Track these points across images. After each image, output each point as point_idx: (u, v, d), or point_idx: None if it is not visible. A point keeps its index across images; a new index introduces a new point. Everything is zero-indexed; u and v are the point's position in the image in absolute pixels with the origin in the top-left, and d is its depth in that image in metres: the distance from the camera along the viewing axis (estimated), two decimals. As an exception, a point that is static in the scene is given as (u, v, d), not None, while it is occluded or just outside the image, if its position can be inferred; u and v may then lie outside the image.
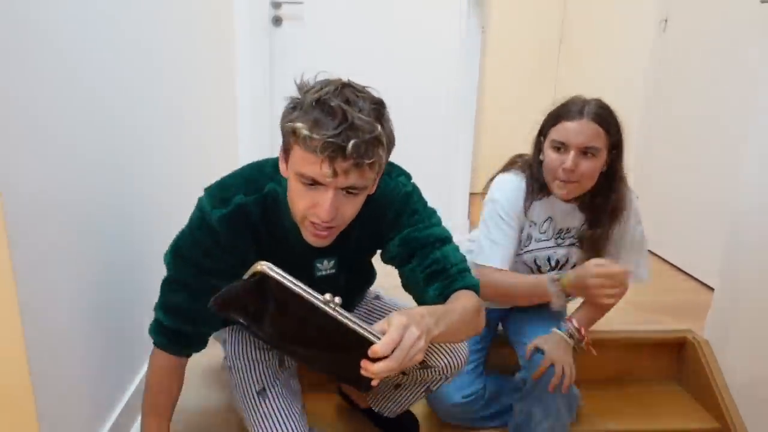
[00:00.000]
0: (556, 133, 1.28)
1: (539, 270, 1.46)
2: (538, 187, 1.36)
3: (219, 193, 1.02)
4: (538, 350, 1.34)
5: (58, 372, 1.01)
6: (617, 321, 1.82)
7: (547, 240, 1.42)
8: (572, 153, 1.24)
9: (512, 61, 3.59)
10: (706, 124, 2.29)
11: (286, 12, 2.48)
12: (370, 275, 1.28)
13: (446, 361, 1.14)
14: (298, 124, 0.84)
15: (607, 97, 1.34)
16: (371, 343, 0.72)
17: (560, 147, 1.27)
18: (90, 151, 1.13)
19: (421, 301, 1.07)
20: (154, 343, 1.06)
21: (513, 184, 1.37)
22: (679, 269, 2.45)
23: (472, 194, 2.85)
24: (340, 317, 0.74)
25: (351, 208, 0.92)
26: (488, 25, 3.41)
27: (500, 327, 1.65)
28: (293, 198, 0.93)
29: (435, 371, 1.15)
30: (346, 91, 0.86)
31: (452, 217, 2.75)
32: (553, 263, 1.44)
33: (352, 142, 0.82)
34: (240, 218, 1.00)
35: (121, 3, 1.28)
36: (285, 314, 0.78)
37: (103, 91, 1.20)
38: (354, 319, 0.75)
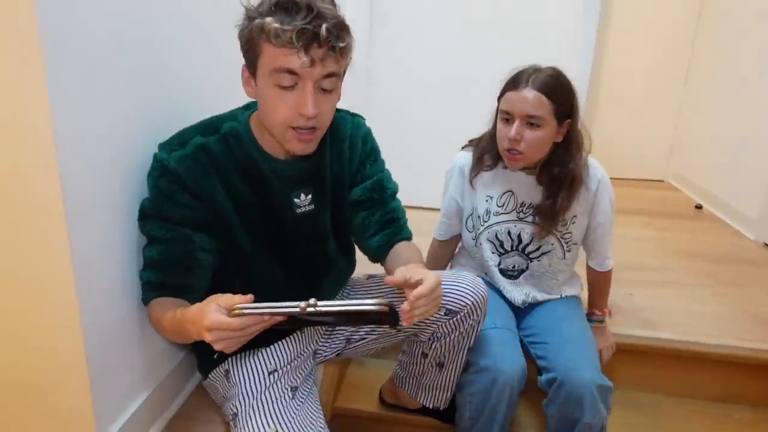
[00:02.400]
0: (503, 103, 1.25)
1: (502, 246, 1.41)
2: (491, 158, 1.35)
3: (174, 139, 0.98)
4: None
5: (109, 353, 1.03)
6: (731, 334, 1.61)
7: (507, 214, 1.38)
8: (516, 122, 1.22)
9: (641, 27, 3.25)
10: None
11: (387, 7, 2.40)
12: (348, 222, 1.17)
13: (471, 299, 1.12)
14: (267, 20, 0.85)
15: None
16: (369, 311, 0.78)
17: (508, 118, 1.24)
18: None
19: (365, 246, 1.18)
20: (147, 301, 1.01)
21: (459, 159, 1.41)
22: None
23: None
24: (327, 308, 0.78)
25: (328, 106, 0.94)
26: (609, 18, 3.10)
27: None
28: (270, 109, 0.91)
29: (464, 315, 1.13)
30: None
31: None
32: (514, 238, 1.39)
33: (324, 26, 0.85)
34: (201, 156, 0.96)
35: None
36: (286, 323, 0.84)
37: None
38: (345, 302, 0.80)
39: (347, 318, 0.84)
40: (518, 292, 1.44)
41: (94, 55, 0.91)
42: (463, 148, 1.44)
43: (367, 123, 1.19)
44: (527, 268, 1.42)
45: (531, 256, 1.41)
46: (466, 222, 1.44)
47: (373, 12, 2.42)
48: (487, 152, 1.36)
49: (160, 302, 0.99)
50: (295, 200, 1.06)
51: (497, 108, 1.29)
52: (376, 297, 1.11)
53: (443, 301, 1.07)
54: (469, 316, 1.15)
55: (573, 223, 1.37)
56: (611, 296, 1.54)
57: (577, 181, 1.31)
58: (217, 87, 1.25)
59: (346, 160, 1.12)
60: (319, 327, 1.21)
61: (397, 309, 0.82)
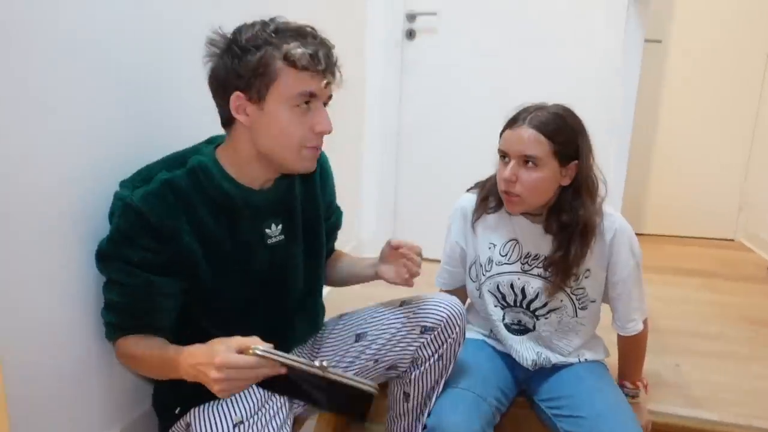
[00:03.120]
0: (500, 142, 1.18)
1: (504, 300, 1.28)
2: (495, 200, 1.26)
3: (137, 176, 0.96)
4: None
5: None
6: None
7: (510, 264, 1.26)
8: (511, 163, 1.14)
9: (701, 78, 3.04)
10: None
11: (420, 25, 2.38)
12: (323, 253, 1.19)
13: (446, 313, 1.10)
14: (287, 46, 0.89)
15: None
16: (364, 392, 0.81)
17: (504, 157, 1.17)
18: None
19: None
20: (111, 338, 0.98)
21: (462, 201, 1.33)
22: None
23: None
24: (334, 377, 0.80)
25: None
26: (668, 34, 2.95)
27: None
28: (284, 131, 0.93)
29: (441, 331, 1.11)
30: (279, 19, 0.94)
31: None
32: (518, 291, 1.26)
33: (332, 50, 0.94)
34: (167, 193, 0.92)
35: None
36: (287, 378, 0.84)
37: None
38: (347, 375, 0.83)
39: (340, 391, 0.84)
40: (528, 350, 1.29)
41: (42, 81, 0.88)
42: (468, 190, 1.34)
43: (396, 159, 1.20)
44: (534, 327, 1.28)
45: (537, 313, 1.26)
46: (470, 270, 1.32)
47: (403, 64, 2.42)
48: (492, 194, 1.26)
49: (133, 340, 0.97)
50: (266, 231, 1.05)
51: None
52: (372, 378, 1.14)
53: (418, 319, 1.10)
54: (446, 332, 1.11)
55: (586, 277, 1.22)
56: (653, 366, 1.35)
57: (590, 230, 1.18)
58: (182, 121, 1.21)
59: (319, 191, 1.15)
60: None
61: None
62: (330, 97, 0.99)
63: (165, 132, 1.15)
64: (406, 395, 1.17)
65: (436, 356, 1.12)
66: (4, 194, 0.82)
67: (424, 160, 2.52)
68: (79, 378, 1.01)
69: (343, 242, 2.59)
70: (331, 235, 1.25)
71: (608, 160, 2.31)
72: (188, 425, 1.02)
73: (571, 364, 1.28)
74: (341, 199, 2.48)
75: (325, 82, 0.93)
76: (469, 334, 1.38)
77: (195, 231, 0.95)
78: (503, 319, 1.29)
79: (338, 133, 2.30)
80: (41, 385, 0.94)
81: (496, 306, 1.29)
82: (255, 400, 1.03)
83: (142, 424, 1.15)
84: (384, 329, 1.11)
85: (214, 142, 1.04)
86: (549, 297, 1.23)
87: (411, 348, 1.11)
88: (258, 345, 0.81)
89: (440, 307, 1.11)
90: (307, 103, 0.93)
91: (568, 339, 1.28)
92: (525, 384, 1.34)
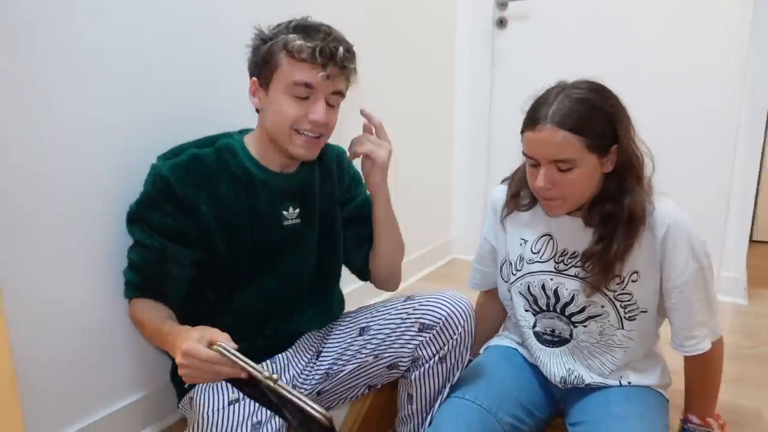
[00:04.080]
0: (524, 145, 1.03)
1: (535, 303, 1.14)
2: (528, 195, 1.13)
3: (171, 150, 1.04)
4: None
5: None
6: None
7: (543, 263, 1.12)
8: (542, 170, 1.00)
9: None
10: None
11: (511, 12, 2.25)
12: (339, 242, 1.19)
13: (446, 310, 1.05)
14: (291, 36, 0.96)
15: None
16: (316, 418, 0.76)
17: (533, 162, 1.02)
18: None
19: (353, 261, 1.23)
20: (128, 296, 1.05)
21: (494, 194, 1.23)
22: None
23: (754, 242, 2.07)
24: (283, 392, 0.77)
25: (333, 119, 1.05)
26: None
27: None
28: (281, 113, 1.00)
29: (440, 331, 1.05)
30: (310, 18, 1.02)
31: (725, 268, 2.07)
32: (550, 293, 1.11)
33: (340, 48, 0.97)
34: (194, 166, 1.02)
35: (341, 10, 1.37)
36: (256, 385, 0.83)
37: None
38: (300, 395, 0.78)
39: (296, 411, 0.81)
40: (558, 366, 1.14)
41: (95, 62, 1.04)
42: (503, 180, 1.22)
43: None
44: (571, 336, 1.12)
45: (574, 319, 1.11)
46: (501, 269, 1.21)
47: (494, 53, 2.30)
48: (523, 188, 1.13)
49: (144, 304, 1.05)
50: (284, 212, 1.09)
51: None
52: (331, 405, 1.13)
53: (417, 315, 1.06)
54: (447, 332, 1.04)
55: (633, 281, 1.05)
56: (735, 398, 1.12)
57: (637, 218, 1.00)
58: (222, 108, 1.31)
59: (336, 180, 1.18)
60: (295, 356, 1.15)
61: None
62: (338, 93, 1.02)
63: (206, 115, 1.26)
64: (410, 396, 1.11)
65: (437, 358, 1.05)
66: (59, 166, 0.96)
67: (517, 156, 2.36)
68: (105, 341, 1.13)
69: (432, 240, 2.60)
70: (356, 220, 1.22)
71: (734, 165, 1.98)
72: (191, 399, 1.08)
73: (609, 387, 1.12)
74: (430, 197, 2.49)
75: (323, 74, 0.97)
76: (500, 341, 1.28)
77: (214, 204, 1.03)
78: (534, 326, 1.16)
79: (427, 128, 2.34)
80: (70, 344, 1.07)
81: (527, 310, 1.16)
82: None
83: (164, 393, 1.24)
84: (385, 324, 1.07)
85: (245, 132, 1.12)
86: (587, 300, 1.08)
87: (409, 346, 1.06)
88: (221, 342, 0.82)
89: (440, 303, 1.05)
90: (308, 96, 0.99)
91: (611, 355, 1.11)
92: (562, 404, 1.20)
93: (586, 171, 0.98)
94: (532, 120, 0.99)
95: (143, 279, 1.04)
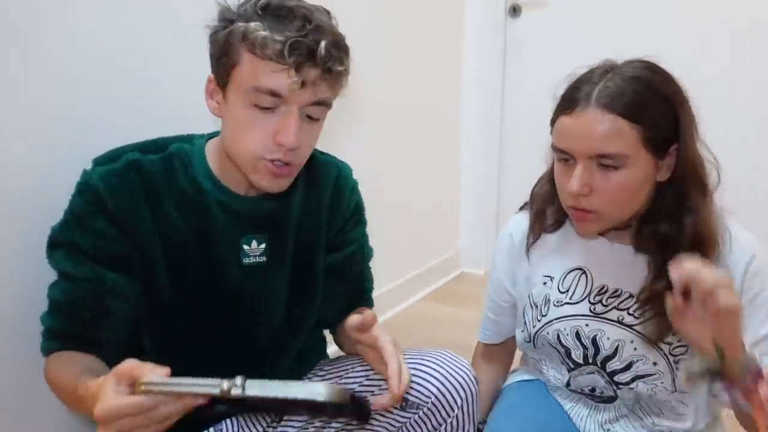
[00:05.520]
0: (556, 136, 0.80)
1: (568, 356, 0.90)
2: (554, 213, 0.90)
3: (107, 154, 0.81)
4: None
5: None
6: None
7: (574, 304, 0.88)
8: (579, 167, 0.77)
9: None
10: None
11: None
12: (317, 290, 0.93)
13: (436, 387, 0.82)
14: (253, 25, 0.70)
15: None
16: (322, 404, 0.58)
17: (566, 158, 0.79)
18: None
19: (321, 314, 0.95)
20: (45, 352, 0.81)
21: (511, 225, 0.98)
22: None
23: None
24: (264, 394, 0.59)
25: (311, 138, 0.79)
26: None
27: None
28: (238, 133, 0.76)
29: (429, 412, 0.83)
30: None
31: None
32: (587, 343, 0.88)
33: (322, 42, 0.70)
34: (131, 175, 0.79)
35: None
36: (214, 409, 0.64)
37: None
38: (288, 385, 0.60)
39: (294, 407, 0.67)
40: (595, 423, 0.91)
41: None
42: (520, 209, 0.98)
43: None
44: (615, 395, 0.89)
45: (617, 379, 0.87)
46: (524, 315, 0.96)
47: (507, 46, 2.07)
48: (549, 204, 0.90)
49: (61, 359, 0.80)
50: (245, 246, 0.85)
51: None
52: (340, 380, 0.89)
53: None
54: (437, 414, 0.82)
55: None
56: None
57: (707, 241, 0.77)
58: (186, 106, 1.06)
59: (325, 215, 0.92)
60: (247, 424, 0.91)
61: (364, 399, 0.64)
62: (321, 104, 0.76)
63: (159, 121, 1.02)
64: None
65: None
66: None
67: (532, 159, 2.14)
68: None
69: (439, 253, 2.38)
70: (338, 274, 0.96)
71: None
72: None
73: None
74: (436, 207, 2.28)
75: (295, 80, 0.70)
76: (525, 376, 1.03)
77: (157, 224, 0.80)
78: (568, 384, 0.93)
79: (431, 130, 2.14)
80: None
81: (562, 363, 0.92)
82: None
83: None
84: (370, 384, 0.85)
85: (215, 135, 0.88)
86: (635, 353, 0.84)
87: (394, 426, 0.84)
88: (146, 378, 0.60)
89: (431, 372, 0.82)
90: (275, 105, 0.73)
91: (662, 421, 0.88)
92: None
93: (636, 174, 0.75)
94: (570, 101, 0.77)
95: (68, 323, 0.79)
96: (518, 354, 1.07)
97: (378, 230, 1.05)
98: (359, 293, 0.99)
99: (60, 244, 0.79)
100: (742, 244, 0.79)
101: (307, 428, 0.90)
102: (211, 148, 0.84)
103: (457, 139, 2.28)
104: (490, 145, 2.22)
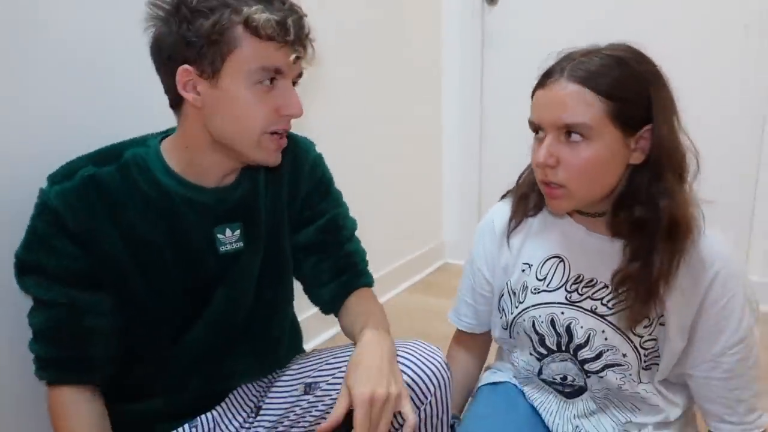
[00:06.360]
0: (531, 110, 0.81)
1: (542, 344, 0.90)
2: (536, 197, 0.90)
3: (61, 171, 0.81)
4: None
5: None
6: None
7: (551, 292, 0.88)
8: (548, 138, 0.78)
9: None
10: None
11: None
12: (287, 270, 0.96)
13: (412, 373, 0.82)
14: (248, 10, 0.73)
15: None
16: None
17: (538, 131, 0.81)
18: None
19: (316, 297, 1.00)
20: (46, 382, 0.82)
21: (492, 212, 0.99)
22: None
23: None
24: None
25: None
26: None
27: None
28: (244, 112, 0.78)
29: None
30: None
31: (752, 272, 1.83)
32: (561, 330, 0.88)
33: (304, 20, 0.78)
34: (89, 191, 0.79)
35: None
36: None
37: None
38: None
39: None
40: (564, 419, 0.91)
41: None
42: (502, 197, 0.98)
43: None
44: (585, 385, 0.89)
45: (587, 367, 0.87)
46: (499, 304, 0.96)
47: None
48: (531, 190, 0.90)
49: (65, 403, 0.81)
50: (219, 236, 0.86)
51: None
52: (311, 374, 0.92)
53: None
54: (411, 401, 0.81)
55: (661, 323, 0.82)
56: None
57: (681, 226, 0.77)
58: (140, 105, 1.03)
59: (286, 191, 0.93)
60: (226, 414, 0.93)
61: None
62: (300, 75, 0.82)
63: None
64: None
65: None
66: None
67: (513, 148, 2.14)
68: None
69: (422, 243, 2.38)
70: (318, 247, 0.97)
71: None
72: None
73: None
74: (418, 196, 2.28)
75: (293, 56, 0.77)
76: (495, 376, 1.04)
77: (123, 236, 0.80)
78: (539, 372, 0.93)
79: (411, 121, 2.12)
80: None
81: (531, 354, 0.93)
82: None
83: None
84: (335, 382, 0.85)
85: (168, 133, 0.87)
86: (605, 343, 0.84)
87: None
88: None
89: (404, 361, 0.83)
90: (271, 80, 0.78)
91: (631, 414, 0.88)
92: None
93: (604, 149, 0.75)
94: (546, 75, 0.78)
95: (56, 349, 0.80)
96: (493, 347, 1.08)
97: (360, 222, 1.03)
98: (350, 268, 0.97)
99: (28, 269, 0.79)
100: (711, 256, 0.79)
101: (282, 421, 0.91)
102: (167, 146, 0.84)
103: (438, 131, 2.27)
104: (471, 136, 2.22)
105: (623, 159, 0.77)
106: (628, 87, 0.75)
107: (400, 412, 0.75)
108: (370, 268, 1.01)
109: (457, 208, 2.35)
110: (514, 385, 1.00)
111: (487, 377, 1.05)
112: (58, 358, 0.80)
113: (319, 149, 0.99)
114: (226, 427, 0.90)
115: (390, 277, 2.01)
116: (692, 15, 1.79)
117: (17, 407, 0.92)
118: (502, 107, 2.12)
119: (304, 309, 1.10)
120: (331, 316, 0.99)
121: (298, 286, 1.01)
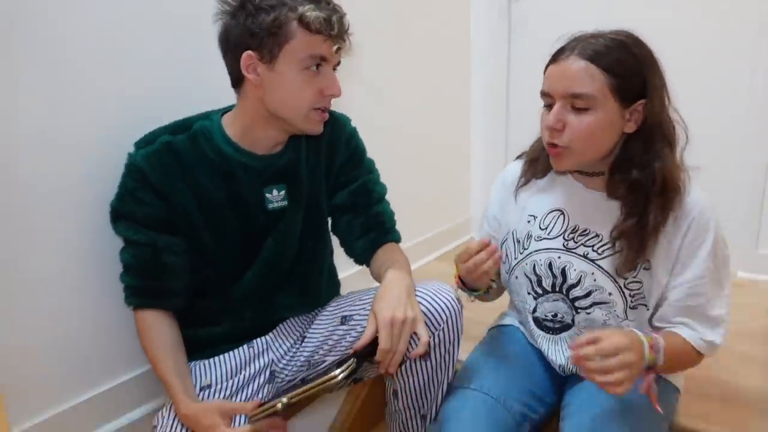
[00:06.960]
0: (543, 83, 0.96)
1: (539, 284, 1.06)
2: (544, 161, 1.05)
3: (144, 138, 0.99)
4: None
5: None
6: None
7: (551, 239, 1.04)
8: (556, 105, 0.92)
9: None
10: None
11: None
12: (324, 225, 1.16)
13: (429, 305, 0.98)
14: (302, 9, 0.90)
15: None
16: (334, 377, 0.86)
17: (549, 102, 0.95)
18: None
19: (350, 250, 1.17)
20: (133, 307, 1.01)
21: (506, 170, 1.16)
22: None
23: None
24: (305, 393, 0.88)
25: None
26: None
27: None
28: (294, 92, 0.94)
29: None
30: None
31: (762, 246, 1.92)
32: (557, 272, 1.03)
33: (345, 17, 0.95)
34: (167, 155, 0.97)
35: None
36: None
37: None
38: (309, 385, 0.88)
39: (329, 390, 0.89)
40: (556, 352, 1.07)
41: (64, 53, 0.98)
42: (517, 157, 1.15)
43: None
44: (573, 322, 1.04)
45: (577, 304, 1.03)
46: (502, 247, 1.13)
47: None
48: (542, 155, 1.05)
49: (148, 321, 1.00)
50: (267, 195, 1.04)
51: None
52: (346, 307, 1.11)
53: None
54: (428, 328, 0.96)
55: (645, 269, 0.96)
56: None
57: (672, 187, 0.92)
58: (203, 86, 1.21)
59: (323, 162, 1.10)
60: (276, 340, 1.12)
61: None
62: (339, 63, 0.99)
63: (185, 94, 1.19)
64: (395, 392, 1.07)
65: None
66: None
67: (538, 131, 2.25)
68: (98, 323, 1.11)
69: (450, 218, 2.51)
70: (351, 209, 1.14)
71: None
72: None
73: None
74: (448, 175, 2.40)
75: (336, 47, 0.94)
76: (503, 320, 1.21)
77: (193, 193, 0.98)
78: (534, 311, 1.08)
79: (441, 102, 2.25)
80: (61, 326, 1.05)
81: (528, 293, 1.08)
82: (229, 368, 1.04)
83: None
84: (366, 314, 1.01)
85: (229, 109, 1.05)
86: (594, 284, 0.99)
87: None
88: (255, 411, 0.91)
89: (424, 297, 0.99)
90: (317, 66, 0.94)
91: None
92: (564, 388, 1.12)
93: (604, 118, 0.90)
94: (558, 53, 0.93)
95: (141, 280, 1.00)
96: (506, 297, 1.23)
97: (389, 198, 1.20)
98: (378, 226, 1.14)
99: (120, 216, 0.98)
100: (689, 207, 0.93)
101: (322, 347, 1.08)
102: (227, 120, 1.02)
103: (466, 117, 2.39)
104: (498, 121, 2.34)
105: (619, 127, 0.92)
106: (628, 66, 0.89)
107: (416, 333, 0.91)
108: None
109: (484, 188, 2.46)
110: (519, 329, 1.17)
111: (496, 320, 1.21)
112: (142, 287, 0.99)
113: (354, 124, 1.16)
114: (277, 349, 1.10)
115: (418, 247, 2.17)
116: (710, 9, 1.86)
117: (118, 328, 1.14)
118: (530, 94, 2.20)
119: (347, 268, 1.29)
120: (367, 276, 1.15)
121: (336, 242, 1.20)
